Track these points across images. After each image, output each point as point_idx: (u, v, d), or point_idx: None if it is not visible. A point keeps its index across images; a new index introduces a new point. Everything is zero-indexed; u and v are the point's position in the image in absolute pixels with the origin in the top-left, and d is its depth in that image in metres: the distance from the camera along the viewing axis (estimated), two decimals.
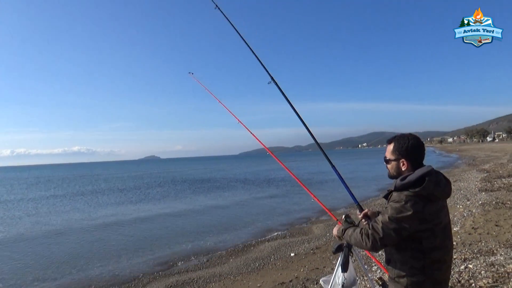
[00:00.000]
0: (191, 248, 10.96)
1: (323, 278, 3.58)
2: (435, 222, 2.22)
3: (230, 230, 13.20)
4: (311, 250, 9.24)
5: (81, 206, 22.97)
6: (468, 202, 12.53)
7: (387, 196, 2.41)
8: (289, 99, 4.05)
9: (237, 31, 4.62)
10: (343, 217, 3.05)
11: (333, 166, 3.69)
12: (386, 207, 2.31)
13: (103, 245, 11.99)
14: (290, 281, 6.87)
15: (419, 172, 2.24)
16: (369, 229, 2.33)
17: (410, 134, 2.43)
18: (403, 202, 2.19)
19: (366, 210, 2.80)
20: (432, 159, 57.66)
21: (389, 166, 2.47)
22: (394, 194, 2.29)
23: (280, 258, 8.79)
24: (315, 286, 6.36)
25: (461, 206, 11.98)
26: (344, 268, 3.32)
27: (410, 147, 2.35)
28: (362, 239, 2.35)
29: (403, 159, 2.37)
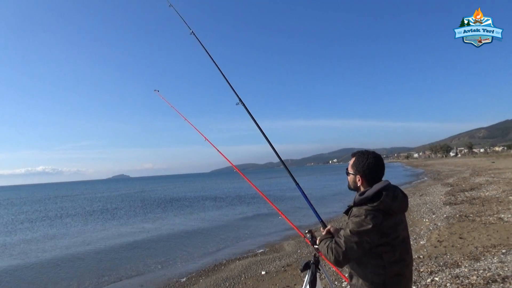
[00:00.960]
0: (160, 269, 10.64)
1: None
2: (393, 236, 2.29)
3: (200, 249, 12.96)
4: (282, 267, 9.18)
5: (46, 229, 21.90)
6: (433, 216, 12.94)
7: (347, 212, 2.47)
8: (255, 118, 4.15)
9: (210, 56, 4.78)
10: (306, 231, 3.09)
11: (297, 184, 3.76)
12: (347, 222, 2.36)
13: (63, 270, 11.43)
14: None
15: (376, 187, 2.32)
16: (333, 243, 2.37)
17: (372, 153, 2.49)
18: (363, 216, 2.25)
19: (329, 227, 2.85)
20: (399, 174, 59.41)
21: (348, 178, 2.58)
22: (354, 209, 2.36)
23: (251, 277, 8.68)
24: None
25: (427, 220, 12.35)
26: (312, 285, 3.32)
27: (367, 166, 2.43)
28: (327, 253, 2.40)
29: (358, 176, 2.46)
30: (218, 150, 5.17)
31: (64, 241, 16.96)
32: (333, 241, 2.39)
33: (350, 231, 2.28)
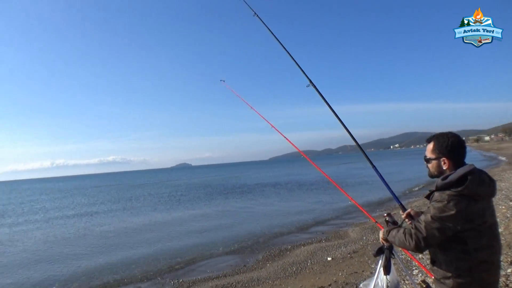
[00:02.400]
0: (227, 252, 11.12)
1: (363, 282, 3.59)
2: (479, 221, 2.22)
3: (263, 234, 13.25)
4: (348, 254, 9.15)
5: (121, 213, 23.70)
6: (510, 203, 12.04)
7: (429, 196, 2.42)
8: (328, 102, 4.10)
9: (275, 37, 4.76)
10: (385, 215, 3.06)
11: (374, 167, 3.70)
12: (428, 207, 2.32)
13: (142, 249, 12.35)
14: (329, 285, 6.85)
15: (460, 171, 2.25)
16: (412, 228, 2.35)
17: (449, 132, 2.43)
18: (446, 202, 2.20)
19: (409, 210, 2.81)
20: (470, 158, 55.36)
21: (429, 165, 2.48)
22: (436, 194, 2.31)
23: (317, 263, 8.77)
24: None
25: (503, 207, 11.52)
26: (387, 271, 3.31)
27: (451, 145, 2.35)
28: (406, 239, 2.37)
29: (444, 158, 2.37)
30: (285, 137, 5.26)
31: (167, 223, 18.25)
32: (413, 226, 2.37)
33: (431, 216, 2.25)
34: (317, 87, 4.20)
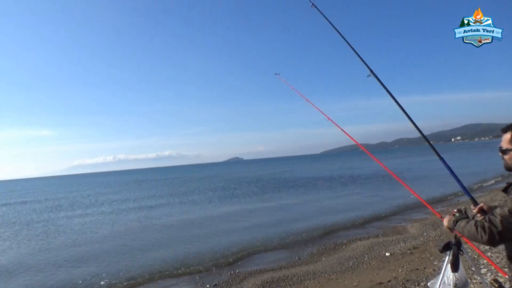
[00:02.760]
0: (281, 245, 11.19)
1: (431, 281, 3.45)
2: None
3: (318, 228, 13.15)
4: (408, 250, 8.83)
5: (179, 206, 24.72)
6: None
7: (506, 190, 2.28)
8: (390, 92, 3.98)
9: (334, 27, 4.69)
10: (454, 211, 2.91)
11: (441, 158, 3.53)
12: (506, 200, 2.19)
13: (199, 241, 12.80)
14: (389, 281, 6.66)
15: None
16: (486, 222, 2.22)
17: None
18: None
19: (481, 205, 2.67)
20: None
21: (506, 156, 2.33)
22: None
23: (374, 258, 8.56)
24: (417, 287, 6.08)
25: None
26: (455, 268, 3.16)
27: None
28: (477, 232, 2.25)
29: None
30: (342, 129, 5.18)
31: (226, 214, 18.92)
32: (486, 219, 2.24)
33: (509, 210, 2.11)
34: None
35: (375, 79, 4.06)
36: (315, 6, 5.01)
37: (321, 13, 4.87)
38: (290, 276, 7.87)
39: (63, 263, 11.41)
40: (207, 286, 8.11)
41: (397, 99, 3.89)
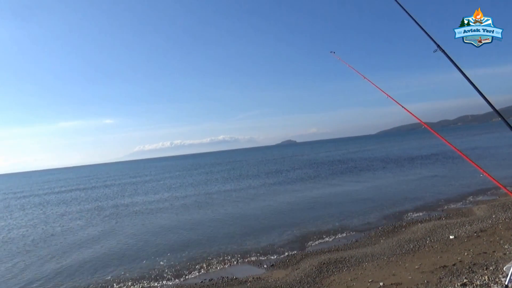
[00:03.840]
0: (338, 227, 11.07)
1: (507, 265, 3.26)
2: None
3: (376, 210, 12.84)
4: (474, 233, 8.34)
5: (242, 191, 25.36)
6: None
7: None
8: (460, 66, 3.72)
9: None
10: None
11: None
12: None
13: (257, 221, 13.06)
14: (454, 264, 6.35)
15: None
16: None
17: None
18: None
19: None
20: None
21: None
22: None
23: (437, 241, 8.19)
24: (485, 271, 5.74)
25: None
26: None
27: None
28: None
29: None
30: (403, 107, 4.93)
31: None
32: None
33: None
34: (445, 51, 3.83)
35: (440, 54, 3.80)
36: None
37: None
38: (347, 258, 7.78)
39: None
40: (264, 266, 8.28)
41: (466, 71, 3.63)
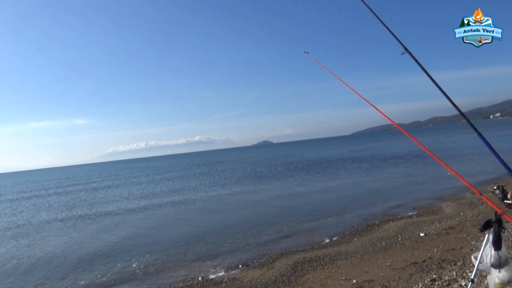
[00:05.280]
0: (313, 227, 11.16)
1: (474, 254, 3.40)
2: None
3: (350, 210, 13.04)
4: (444, 230, 8.60)
5: (214, 189, 25.18)
6: None
7: None
8: (425, 69, 3.82)
9: (365, 4, 4.51)
10: (494, 187, 2.80)
11: (479, 134, 3.38)
12: None
13: (232, 222, 13.02)
14: (424, 261, 6.53)
15: None
16: None
17: None
18: None
19: None
20: None
21: None
22: None
23: (408, 238, 8.40)
24: (453, 267, 5.93)
25: None
26: (497, 246, 3.10)
27: None
28: None
29: None
30: (375, 107, 4.99)
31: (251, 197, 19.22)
32: None
33: None
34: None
35: (410, 57, 3.88)
36: None
37: None
38: (322, 257, 7.86)
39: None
40: (240, 266, 8.25)
41: (432, 76, 3.73)
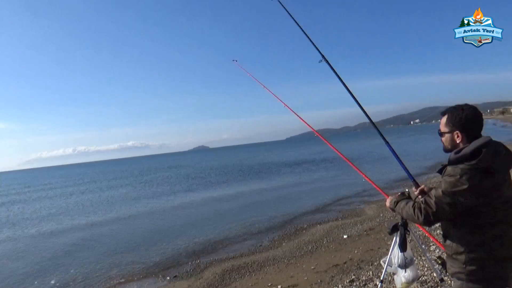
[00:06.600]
0: (243, 233, 11.17)
1: (383, 259, 3.57)
2: (494, 196, 2.10)
3: (280, 214, 13.26)
4: (365, 231, 9.09)
5: (140, 199, 24.19)
6: None
7: (441, 171, 2.32)
8: (341, 77, 3.97)
9: (286, 9, 4.60)
10: (398, 194, 2.96)
11: (386, 142, 3.60)
12: (440, 181, 2.22)
13: (158, 230, 12.58)
14: (344, 262, 6.82)
15: (475, 143, 2.12)
16: (422, 203, 2.27)
17: (465, 105, 2.31)
18: (458, 176, 2.09)
19: (422, 186, 2.72)
20: (492, 133, 53.90)
21: (443, 139, 2.38)
22: (449, 168, 2.20)
23: (333, 241, 8.74)
24: (370, 267, 6.26)
25: None
26: (402, 248, 3.27)
27: (465, 118, 2.23)
28: (414, 213, 2.30)
29: (457, 131, 2.26)
30: (298, 116, 5.13)
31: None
32: (423, 201, 2.28)
33: (442, 191, 2.14)
34: (330, 62, 4.06)
35: (327, 65, 4.04)
36: None
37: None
38: (250, 263, 7.88)
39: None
40: (167, 278, 7.97)
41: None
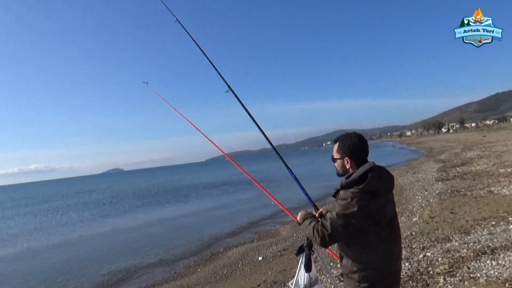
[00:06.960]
0: (157, 261, 10.65)
1: (291, 281, 3.64)
2: (380, 216, 2.31)
3: (196, 239, 12.96)
4: (279, 252, 9.28)
5: (40, 225, 21.84)
6: (426, 193, 13.12)
7: (335, 195, 2.49)
8: (245, 105, 4.11)
9: (197, 44, 4.67)
10: (307, 211, 3.09)
11: (288, 169, 3.79)
12: (334, 205, 2.39)
13: (60, 264, 11.44)
14: (258, 285, 6.86)
15: (362, 169, 2.34)
16: (319, 225, 2.41)
17: (353, 133, 2.56)
18: (349, 199, 2.27)
19: (321, 210, 2.89)
20: (390, 152, 59.85)
21: (336, 164, 2.58)
22: (341, 192, 2.38)
23: (248, 263, 8.77)
24: (284, 287, 6.39)
25: (419, 197, 12.51)
26: (307, 268, 3.38)
27: (352, 145, 2.46)
28: (313, 234, 2.43)
29: (346, 158, 2.48)
30: (209, 139, 5.15)
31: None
32: (320, 223, 2.42)
33: (336, 214, 2.31)
34: (235, 92, 4.21)
35: (233, 95, 4.18)
36: (179, 21, 4.96)
37: (185, 29, 4.91)
38: None
39: None
40: None
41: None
